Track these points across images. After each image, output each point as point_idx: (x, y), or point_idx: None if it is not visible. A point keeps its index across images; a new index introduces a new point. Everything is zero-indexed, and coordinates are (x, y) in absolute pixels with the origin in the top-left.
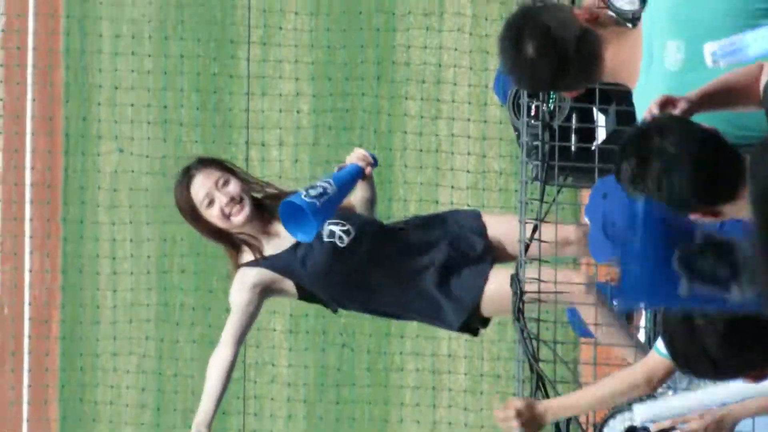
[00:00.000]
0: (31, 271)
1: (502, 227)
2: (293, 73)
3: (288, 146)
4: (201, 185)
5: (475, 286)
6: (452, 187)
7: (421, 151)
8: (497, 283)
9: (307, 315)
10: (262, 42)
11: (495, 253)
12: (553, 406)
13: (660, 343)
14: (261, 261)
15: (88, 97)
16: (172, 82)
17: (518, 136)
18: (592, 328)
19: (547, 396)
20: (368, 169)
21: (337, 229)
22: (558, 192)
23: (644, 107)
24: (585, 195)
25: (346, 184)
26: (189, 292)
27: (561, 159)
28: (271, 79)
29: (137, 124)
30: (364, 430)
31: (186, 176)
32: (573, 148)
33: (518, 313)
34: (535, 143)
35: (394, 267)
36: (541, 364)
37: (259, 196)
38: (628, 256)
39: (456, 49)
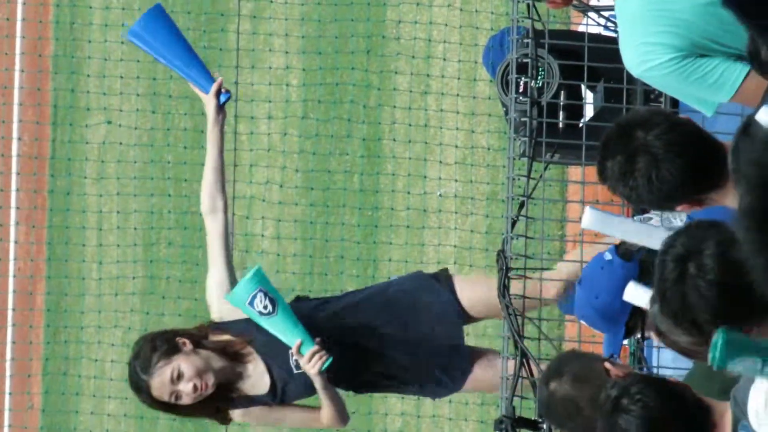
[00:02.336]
0: (16, 242)
1: (476, 293)
2: (283, 47)
3: (277, 120)
4: (161, 389)
5: (459, 375)
6: (440, 162)
7: (410, 125)
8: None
9: (294, 290)
10: (252, 15)
11: (468, 320)
12: None
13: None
14: (251, 402)
15: (77, 69)
16: None
17: (506, 112)
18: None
19: (531, 373)
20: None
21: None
22: (545, 168)
23: None
24: (572, 172)
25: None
26: (175, 265)
27: (549, 135)
28: (261, 52)
29: (126, 96)
30: (350, 405)
31: (140, 387)
32: (561, 124)
33: (503, 289)
34: (523, 119)
35: (367, 375)
36: (526, 342)
37: (206, 342)
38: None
39: (446, 25)
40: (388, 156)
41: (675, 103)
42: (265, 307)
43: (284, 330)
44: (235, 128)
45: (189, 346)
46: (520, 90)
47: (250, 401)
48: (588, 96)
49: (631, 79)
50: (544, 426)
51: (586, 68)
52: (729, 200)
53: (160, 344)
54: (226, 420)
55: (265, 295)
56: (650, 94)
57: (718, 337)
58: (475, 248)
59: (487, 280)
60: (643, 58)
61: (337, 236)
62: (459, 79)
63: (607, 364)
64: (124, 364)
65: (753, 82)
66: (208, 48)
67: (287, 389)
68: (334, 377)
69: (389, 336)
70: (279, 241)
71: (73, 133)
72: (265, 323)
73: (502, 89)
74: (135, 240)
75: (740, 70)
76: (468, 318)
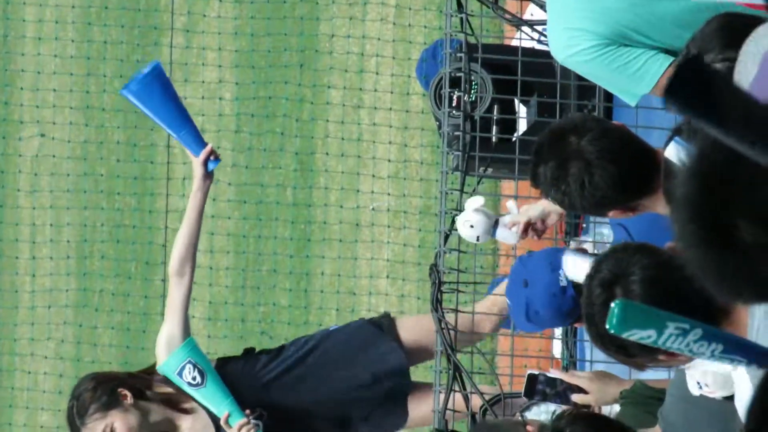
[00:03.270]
0: None
1: (415, 334)
2: (216, 61)
3: (210, 133)
4: None
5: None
6: (373, 176)
7: (342, 139)
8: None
9: (227, 303)
10: (185, 29)
11: (413, 361)
12: None
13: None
14: None
15: (11, 82)
16: (94, 68)
17: (439, 126)
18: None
19: (463, 387)
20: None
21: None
22: (478, 183)
23: None
24: (505, 186)
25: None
26: (108, 278)
27: (482, 150)
28: (194, 66)
29: (59, 109)
30: None
31: (75, 430)
32: (494, 139)
33: (436, 303)
34: (456, 133)
35: (315, 420)
36: (458, 355)
37: (149, 394)
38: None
39: (379, 39)
40: (320, 170)
41: (608, 116)
42: (194, 378)
43: (213, 401)
44: (167, 141)
45: (129, 399)
46: (453, 104)
47: None
48: (521, 110)
49: (565, 94)
50: None
51: (519, 83)
52: (660, 207)
53: (100, 395)
54: None
55: (194, 366)
56: (584, 109)
57: (615, 305)
58: (408, 262)
59: (428, 321)
60: (568, 43)
61: (270, 250)
62: (392, 93)
63: (529, 427)
64: (56, 377)
65: None
66: (141, 62)
67: None
68: None
69: (329, 400)
70: (212, 254)
71: (6, 146)
72: (194, 394)
73: (435, 103)
74: (68, 253)
75: (662, 62)
76: (411, 360)
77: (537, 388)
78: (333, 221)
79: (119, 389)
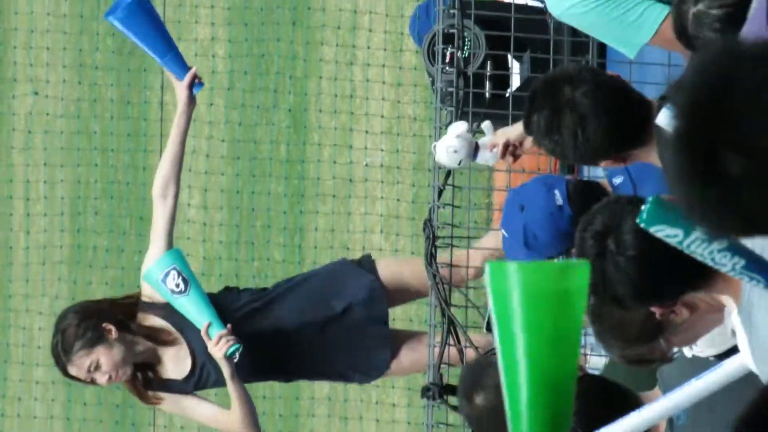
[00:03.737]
0: None
1: (399, 272)
2: (209, 18)
3: (203, 90)
4: (77, 373)
5: (381, 359)
6: (366, 132)
7: (336, 96)
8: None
9: (220, 258)
10: None
11: (395, 300)
12: None
13: None
14: (165, 387)
15: (4, 40)
16: (87, 26)
17: (433, 83)
18: None
19: (458, 341)
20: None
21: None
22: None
23: None
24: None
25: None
26: (102, 234)
27: (475, 106)
28: (187, 23)
29: (52, 67)
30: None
31: (60, 365)
32: (487, 95)
33: (430, 258)
34: (450, 89)
35: (289, 361)
36: (453, 309)
37: (133, 327)
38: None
39: None
40: (314, 126)
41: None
42: (177, 286)
43: (195, 310)
44: (161, 99)
45: (114, 334)
46: (447, 60)
47: (165, 386)
48: (514, 66)
49: (558, 50)
50: None
51: (512, 38)
52: (653, 157)
53: (84, 331)
54: (144, 398)
55: (179, 273)
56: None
57: (650, 200)
58: (401, 217)
59: (410, 260)
60: None
61: (264, 205)
62: (385, 50)
63: None
64: (51, 332)
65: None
66: None
67: (205, 371)
68: (254, 370)
69: (307, 329)
70: (206, 210)
71: (0, 103)
72: (176, 302)
73: (429, 60)
74: (62, 209)
75: (660, 10)
76: (392, 299)
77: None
78: (326, 177)
79: (103, 324)
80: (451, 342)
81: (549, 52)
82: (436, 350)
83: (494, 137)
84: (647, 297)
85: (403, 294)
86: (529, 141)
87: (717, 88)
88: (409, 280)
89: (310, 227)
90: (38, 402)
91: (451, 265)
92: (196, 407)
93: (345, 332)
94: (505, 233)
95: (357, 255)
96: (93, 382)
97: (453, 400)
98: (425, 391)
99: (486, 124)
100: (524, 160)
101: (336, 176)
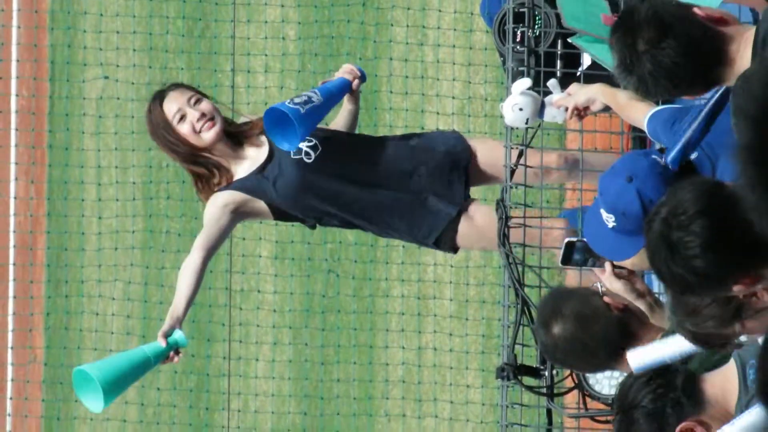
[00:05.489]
0: (15, 198)
1: (485, 150)
2: (279, 0)
3: (274, 73)
4: (174, 100)
5: (451, 204)
6: (438, 113)
7: (407, 77)
8: (478, 214)
9: (293, 241)
10: None
11: (475, 175)
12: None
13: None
14: (231, 184)
15: (74, 24)
16: (157, 9)
17: (504, 62)
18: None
19: (532, 321)
20: (355, 83)
21: (303, 145)
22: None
23: None
24: (570, 120)
25: (332, 96)
26: (175, 218)
27: (546, 85)
28: (257, 5)
29: (123, 51)
30: (349, 356)
31: (159, 94)
32: (558, 74)
33: (503, 238)
34: (521, 69)
35: (363, 178)
36: (526, 290)
37: (228, 124)
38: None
39: None
40: (385, 107)
41: None
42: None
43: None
44: (233, 81)
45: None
46: (518, 39)
47: (236, 182)
48: None
49: None
50: (545, 373)
51: None
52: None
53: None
54: (204, 185)
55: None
56: None
57: None
58: (473, 197)
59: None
60: None
61: None
62: (455, 30)
63: (607, 299)
64: (124, 318)
65: None
66: (204, 2)
67: (278, 174)
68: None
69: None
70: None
71: (71, 88)
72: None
73: (500, 39)
74: (134, 194)
75: None
76: (471, 173)
77: (574, 257)
78: None
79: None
80: (525, 322)
81: None
82: (510, 330)
83: (562, 98)
84: (720, 255)
85: (481, 175)
86: (598, 104)
87: None
88: (491, 164)
89: None
90: None
91: (524, 245)
92: (220, 219)
93: (430, 164)
94: (607, 214)
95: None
96: (180, 121)
97: (527, 380)
98: (500, 372)
99: (552, 82)
100: (596, 138)
101: None
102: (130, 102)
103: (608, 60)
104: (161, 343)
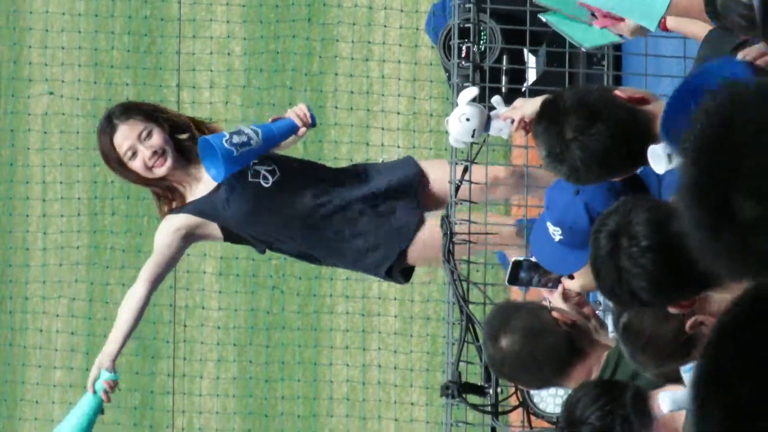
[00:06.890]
0: None
1: (434, 172)
2: (225, 16)
3: (219, 88)
4: (124, 138)
5: (403, 232)
6: (383, 128)
7: (352, 92)
8: (425, 230)
9: (238, 258)
10: None
11: (425, 200)
12: None
13: None
14: (185, 206)
15: (19, 40)
16: (103, 25)
17: (449, 78)
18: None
19: (476, 338)
20: (302, 131)
21: (262, 168)
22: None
23: None
24: (515, 136)
25: (273, 140)
26: (120, 234)
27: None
28: (203, 21)
29: (68, 66)
30: (294, 373)
31: (109, 126)
32: (504, 89)
33: (448, 254)
34: (466, 84)
35: (316, 208)
36: (471, 307)
37: (185, 137)
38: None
39: None
40: (330, 123)
41: (617, 65)
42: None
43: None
44: (178, 97)
45: (167, 128)
46: (463, 55)
47: (190, 204)
48: (530, 60)
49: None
50: (490, 391)
51: (528, 32)
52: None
53: (145, 108)
54: (161, 204)
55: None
56: (593, 58)
57: None
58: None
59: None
60: None
61: None
62: (401, 45)
63: (555, 314)
64: (69, 334)
65: None
66: (150, 17)
67: (232, 196)
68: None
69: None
70: None
71: (16, 103)
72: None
73: (445, 54)
74: (79, 209)
75: None
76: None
77: (520, 276)
78: None
79: (159, 114)
80: (469, 339)
81: (565, 45)
82: (455, 347)
83: (509, 110)
84: (665, 289)
85: (433, 199)
86: None
87: (722, 135)
88: (440, 183)
89: None
90: (56, 405)
91: (469, 262)
92: (171, 245)
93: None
94: (554, 227)
95: None
96: (131, 159)
97: (472, 398)
98: (444, 389)
99: (496, 99)
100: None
101: None
102: (76, 118)
103: (579, 39)
104: (90, 391)
